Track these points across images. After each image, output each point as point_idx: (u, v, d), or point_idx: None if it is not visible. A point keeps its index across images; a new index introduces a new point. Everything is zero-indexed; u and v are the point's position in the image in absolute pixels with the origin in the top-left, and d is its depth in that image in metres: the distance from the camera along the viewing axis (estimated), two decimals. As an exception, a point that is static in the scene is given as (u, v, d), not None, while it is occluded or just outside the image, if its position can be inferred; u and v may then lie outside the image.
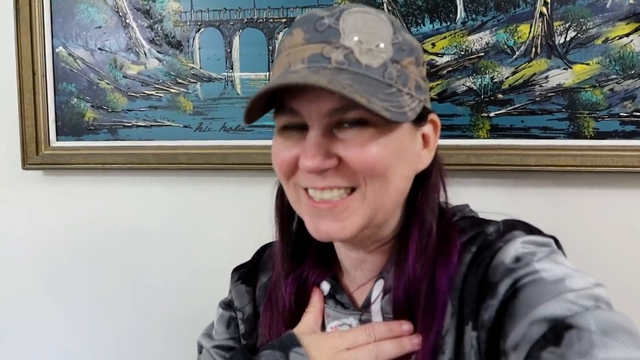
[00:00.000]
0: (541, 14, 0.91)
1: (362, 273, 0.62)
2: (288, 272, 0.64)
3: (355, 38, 0.51)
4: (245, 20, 0.99)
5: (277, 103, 0.54)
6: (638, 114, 0.90)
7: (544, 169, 0.92)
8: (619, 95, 0.90)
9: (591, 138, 0.91)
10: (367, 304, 0.60)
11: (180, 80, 1.02)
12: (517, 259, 0.52)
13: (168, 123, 1.03)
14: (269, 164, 0.96)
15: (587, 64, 0.91)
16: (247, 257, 0.76)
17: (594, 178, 0.92)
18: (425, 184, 0.59)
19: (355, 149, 0.51)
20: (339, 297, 0.62)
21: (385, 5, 0.94)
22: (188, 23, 1.00)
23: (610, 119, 0.91)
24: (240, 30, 0.99)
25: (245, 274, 0.73)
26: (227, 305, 0.73)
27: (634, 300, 0.55)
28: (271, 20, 0.98)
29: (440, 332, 0.54)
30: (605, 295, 0.47)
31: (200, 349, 0.72)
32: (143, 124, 1.03)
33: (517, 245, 0.54)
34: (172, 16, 1.00)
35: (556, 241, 0.58)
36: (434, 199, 0.60)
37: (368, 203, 0.53)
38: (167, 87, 1.02)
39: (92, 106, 1.05)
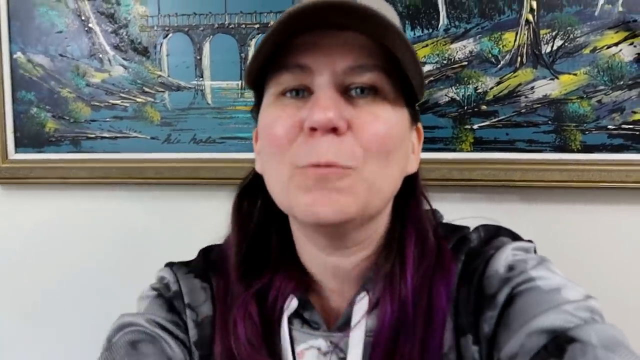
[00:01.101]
0: (527, 21, 0.87)
1: (338, 283, 0.55)
2: (247, 284, 0.55)
3: (375, 7, 0.47)
4: (216, 25, 0.93)
5: (277, 62, 0.48)
6: (626, 126, 0.87)
7: (529, 184, 0.87)
8: (607, 107, 0.87)
9: (578, 152, 0.88)
10: (346, 322, 0.53)
11: (147, 89, 0.96)
12: (511, 268, 0.51)
13: (134, 134, 0.97)
14: (241, 178, 0.93)
15: (575, 74, 0.87)
16: None
17: (581, 194, 0.88)
18: (415, 190, 0.57)
19: (368, 117, 0.47)
20: (307, 315, 0.54)
21: (363, 11, 0.89)
22: (155, 28, 0.94)
23: (598, 132, 0.87)
24: (211, 36, 0.93)
25: (196, 268, 0.61)
26: (166, 287, 0.59)
27: (621, 316, 0.55)
28: (243, 25, 0.92)
29: (442, 349, 0.51)
30: (598, 308, 0.47)
31: (114, 334, 0.55)
32: (108, 136, 0.97)
33: (507, 253, 0.52)
34: (138, 21, 0.94)
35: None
36: (424, 205, 0.57)
37: (364, 185, 0.47)
38: (133, 97, 0.96)
39: (53, 116, 0.98)
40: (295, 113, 0.47)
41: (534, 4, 0.86)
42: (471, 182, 0.88)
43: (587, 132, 0.87)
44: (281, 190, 0.50)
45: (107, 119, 0.97)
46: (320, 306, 0.56)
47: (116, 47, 0.95)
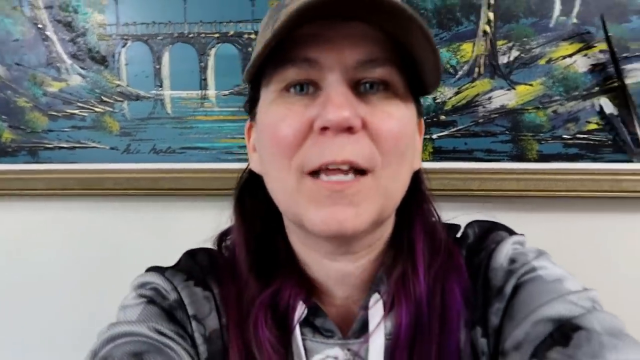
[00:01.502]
0: (484, 32, 0.88)
1: (345, 288, 0.52)
2: (258, 289, 0.51)
3: None
4: (176, 34, 0.92)
5: (280, 56, 0.44)
6: (581, 136, 0.88)
7: (488, 193, 0.88)
8: (562, 117, 0.88)
9: (535, 161, 0.89)
10: (362, 327, 0.50)
11: (105, 99, 0.94)
12: (513, 260, 0.51)
13: (93, 144, 0.95)
14: (202, 189, 0.92)
15: (531, 85, 0.88)
16: None
17: (537, 202, 0.90)
18: (419, 185, 0.55)
19: (383, 115, 0.44)
20: (320, 323, 0.50)
21: (323, 21, 0.89)
22: (113, 37, 0.93)
23: (554, 142, 0.89)
24: (170, 46, 0.92)
25: (193, 274, 0.54)
26: (159, 295, 0.51)
27: None
28: (203, 35, 0.92)
29: (459, 345, 0.50)
30: (598, 298, 0.47)
31: (103, 347, 0.47)
32: (66, 146, 0.96)
33: (508, 247, 0.53)
34: (95, 29, 0.93)
35: None
36: (431, 202, 0.56)
37: (380, 191, 0.45)
38: (92, 106, 0.94)
39: (10, 126, 0.96)
40: (302, 111, 0.44)
41: (491, 16, 0.87)
42: (430, 192, 0.89)
43: (543, 142, 0.89)
44: (287, 198, 0.47)
45: (65, 129, 0.95)
46: (331, 312, 0.52)
47: (74, 56, 0.94)
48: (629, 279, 0.90)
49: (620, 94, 0.86)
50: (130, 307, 0.51)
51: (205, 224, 0.94)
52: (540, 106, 0.88)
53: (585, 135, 0.88)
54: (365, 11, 0.42)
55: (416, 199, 0.54)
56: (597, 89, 0.87)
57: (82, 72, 0.94)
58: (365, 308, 0.50)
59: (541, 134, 0.89)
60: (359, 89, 0.45)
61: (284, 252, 0.53)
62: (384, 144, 0.44)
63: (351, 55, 0.43)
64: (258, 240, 0.53)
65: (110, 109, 0.94)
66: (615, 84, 0.86)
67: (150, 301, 0.51)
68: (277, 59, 0.45)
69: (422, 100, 0.54)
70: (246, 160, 0.92)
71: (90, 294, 0.99)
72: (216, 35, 0.91)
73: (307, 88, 0.45)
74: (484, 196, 0.89)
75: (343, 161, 0.42)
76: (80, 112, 0.95)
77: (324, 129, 0.42)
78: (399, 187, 0.47)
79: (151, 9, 0.92)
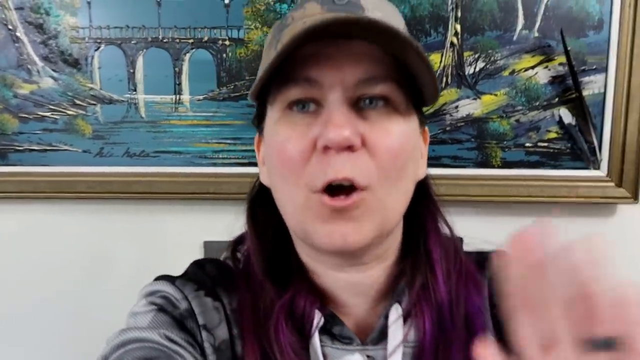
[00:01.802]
0: (452, 44, 0.92)
1: (356, 299, 0.53)
2: (276, 293, 0.51)
3: (379, 14, 0.47)
4: (150, 39, 0.92)
5: (282, 74, 0.46)
6: (542, 144, 0.93)
7: (454, 198, 0.92)
8: (525, 126, 0.92)
9: (499, 167, 0.93)
10: (380, 335, 0.51)
11: (78, 102, 0.94)
12: None
13: (65, 147, 0.95)
14: (176, 193, 0.93)
15: (495, 95, 0.92)
16: None
17: (500, 207, 0.94)
18: (427, 194, 0.56)
19: (381, 132, 0.46)
20: (338, 331, 0.51)
21: (297, 29, 0.91)
22: (86, 40, 0.93)
23: (517, 149, 0.93)
24: (144, 50, 0.93)
25: (203, 284, 0.54)
26: (169, 303, 0.52)
27: None
28: (177, 40, 0.92)
29: None
30: None
31: (113, 352, 0.47)
32: (37, 148, 0.95)
33: None
34: (68, 32, 0.92)
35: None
36: (440, 209, 0.56)
37: (379, 205, 0.46)
38: (64, 109, 0.94)
39: (-22, 128, 0.95)
40: (306, 132, 0.46)
41: (458, 28, 0.91)
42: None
43: (506, 149, 0.93)
44: (295, 214, 0.48)
45: (36, 132, 0.95)
46: (346, 320, 0.53)
47: (45, 58, 0.93)
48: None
49: (578, 105, 0.91)
50: (140, 314, 0.51)
51: (179, 227, 0.96)
52: (504, 115, 0.92)
53: (545, 144, 0.93)
54: (363, 33, 0.44)
55: (427, 206, 0.55)
56: (556, 99, 0.92)
57: (54, 74, 0.94)
58: (386, 317, 0.51)
59: (505, 142, 0.93)
60: (360, 104, 0.46)
61: (294, 262, 0.54)
62: (382, 161, 0.45)
63: (351, 74, 0.45)
64: (271, 249, 0.54)
65: (83, 112, 0.94)
66: (574, 96, 0.91)
67: (161, 309, 0.51)
68: (280, 78, 0.46)
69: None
70: (220, 164, 0.94)
71: (61, 299, 0.98)
72: (190, 40, 0.92)
73: (309, 106, 0.46)
74: (451, 201, 0.92)
75: (344, 178, 0.44)
76: (52, 114, 0.94)
77: (326, 147, 0.44)
78: (398, 200, 0.49)
79: (125, 13, 0.92)
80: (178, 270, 0.96)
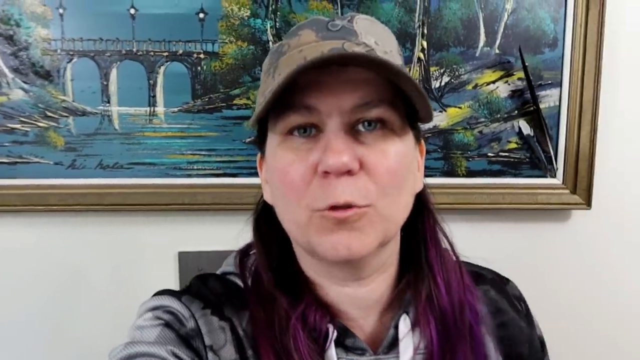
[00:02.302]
0: (419, 59, 0.96)
1: (360, 312, 0.55)
2: (289, 305, 0.52)
3: (373, 39, 0.49)
4: (124, 51, 0.93)
5: (281, 102, 0.47)
6: (503, 154, 0.98)
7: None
8: (487, 137, 0.98)
9: (463, 176, 0.98)
10: (392, 343, 0.53)
11: (49, 114, 0.93)
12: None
13: (36, 160, 0.94)
14: (150, 204, 0.94)
15: (460, 108, 0.97)
16: (130, 305, 0.58)
17: (465, 214, 0.99)
18: (425, 205, 0.58)
19: (378, 154, 0.48)
20: (351, 343, 0.53)
21: (270, 43, 0.94)
22: (58, 52, 0.92)
23: (480, 159, 0.98)
24: (118, 62, 0.93)
25: (211, 302, 0.55)
26: (177, 320, 0.52)
27: None
28: (152, 53, 0.93)
29: (487, 353, 0.56)
30: None
31: None
32: (6, 161, 0.93)
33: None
34: (39, 44, 0.92)
35: None
36: (438, 220, 0.59)
37: (382, 218, 0.49)
38: (35, 121, 0.93)
39: (-56, 140, 0.93)
40: (306, 157, 0.48)
41: (425, 44, 0.96)
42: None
43: (470, 159, 0.98)
44: (299, 231, 0.50)
45: (5, 144, 0.93)
46: (357, 333, 0.54)
47: (15, 70, 0.92)
48: (544, 280, 1.02)
49: (535, 117, 0.97)
50: (147, 327, 0.51)
51: (153, 238, 0.97)
52: (468, 127, 0.98)
53: (506, 154, 0.98)
54: (359, 63, 0.47)
55: (426, 218, 0.57)
56: (516, 112, 0.98)
57: (25, 86, 0.93)
58: (395, 327, 0.54)
59: (469, 152, 0.98)
60: (356, 127, 0.48)
61: (301, 277, 0.56)
62: (380, 181, 0.48)
63: (348, 100, 0.47)
64: (277, 264, 0.56)
65: (55, 124, 0.93)
66: (531, 108, 0.97)
67: (167, 325, 0.52)
68: (280, 106, 0.48)
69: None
70: (195, 175, 0.95)
71: (34, 314, 0.97)
72: (165, 53, 0.93)
73: (310, 130, 0.48)
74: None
75: (345, 202, 0.46)
76: (22, 126, 0.93)
77: (327, 172, 0.46)
78: (399, 212, 0.51)
79: (98, 26, 0.92)
80: (153, 281, 0.97)
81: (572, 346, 1.03)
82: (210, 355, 0.51)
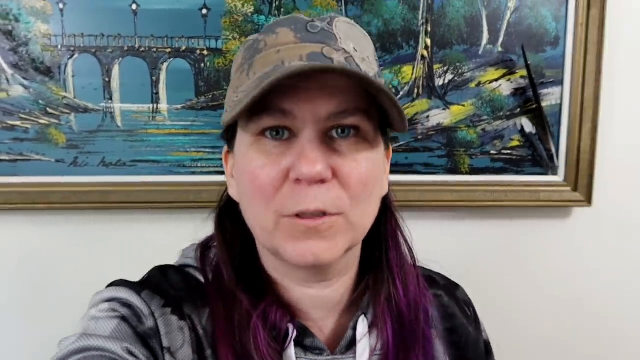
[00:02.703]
0: (422, 57, 0.96)
1: (321, 312, 0.55)
2: (250, 304, 0.52)
3: (352, 45, 0.49)
4: (126, 48, 0.92)
5: (257, 104, 0.46)
6: (506, 152, 0.99)
7: (426, 204, 0.97)
8: (490, 134, 0.99)
9: (466, 174, 0.99)
10: (350, 344, 0.54)
11: (50, 111, 0.92)
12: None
13: (37, 157, 0.93)
14: (154, 202, 0.93)
15: (463, 105, 0.98)
16: None
17: (468, 212, 1.00)
18: (389, 208, 0.58)
19: (352, 163, 0.48)
20: (309, 342, 0.53)
21: (274, 40, 0.93)
22: (59, 48, 0.91)
23: (483, 157, 0.99)
24: (120, 59, 0.92)
25: (171, 298, 0.53)
26: (135, 317, 0.50)
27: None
28: (155, 49, 0.92)
29: (435, 355, 0.58)
30: None
31: (67, 358, 0.46)
32: (6, 158, 0.92)
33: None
34: (39, 39, 0.90)
35: None
36: (399, 222, 0.59)
37: (350, 227, 0.49)
38: (35, 118, 0.92)
39: (-58, 137, 0.91)
40: (278, 161, 0.47)
41: (428, 42, 0.96)
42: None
43: (473, 157, 0.99)
44: (265, 234, 0.50)
45: (6, 141, 0.92)
46: (315, 332, 0.55)
47: (15, 66, 0.91)
48: (545, 275, 1.03)
49: (537, 115, 0.98)
50: (102, 319, 0.49)
51: (157, 237, 0.96)
52: (471, 125, 0.98)
53: (509, 151, 0.99)
54: (336, 73, 0.46)
55: (388, 220, 0.58)
56: (518, 110, 0.98)
57: (25, 82, 0.91)
58: (354, 329, 0.55)
59: (472, 150, 0.99)
60: (330, 133, 0.48)
61: (263, 275, 0.56)
62: (352, 190, 0.48)
63: (324, 107, 0.46)
64: (239, 260, 0.55)
65: (56, 121, 0.92)
66: (534, 106, 0.98)
67: (124, 319, 0.50)
68: (254, 107, 0.46)
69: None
70: (199, 172, 0.95)
71: (34, 313, 0.96)
72: (168, 50, 0.92)
73: (283, 133, 0.48)
74: (422, 207, 0.97)
75: (315, 210, 0.46)
76: (23, 123, 0.92)
77: (299, 180, 0.46)
78: (368, 219, 0.52)
79: (99, 22, 0.91)
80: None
81: (572, 341, 1.05)
82: (167, 357, 0.50)
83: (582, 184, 0.99)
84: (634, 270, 1.04)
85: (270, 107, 0.47)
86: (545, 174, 0.99)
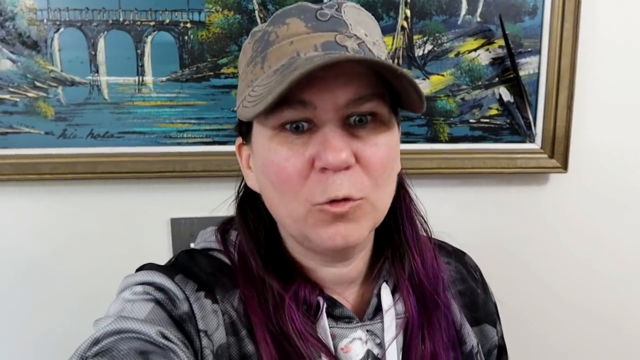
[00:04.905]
0: (402, 27, 0.98)
1: (341, 287, 0.59)
2: (281, 286, 0.55)
3: (362, 30, 0.50)
4: (110, 21, 0.94)
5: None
6: (484, 120, 1.02)
7: (406, 171, 0.99)
8: (469, 104, 1.01)
9: (446, 142, 1.01)
10: (375, 310, 0.58)
11: (38, 84, 0.94)
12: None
13: (27, 130, 0.95)
14: (141, 172, 0.96)
15: (442, 75, 1.00)
16: (124, 271, 0.56)
17: (448, 179, 1.03)
18: (402, 185, 0.61)
19: (372, 148, 0.49)
20: (339, 312, 0.56)
21: (256, 12, 0.95)
22: (45, 22, 0.93)
23: (462, 125, 1.01)
24: (105, 32, 0.94)
25: (204, 282, 0.55)
26: (170, 301, 0.51)
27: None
28: (139, 22, 0.94)
29: (456, 323, 0.61)
30: None
31: (106, 337, 0.47)
32: (-3, 131, 0.95)
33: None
34: (25, 14, 0.92)
35: None
36: (412, 198, 0.62)
37: (374, 208, 0.51)
38: (24, 91, 0.94)
39: None
40: (302, 151, 0.49)
41: (408, 12, 0.97)
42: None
43: (453, 125, 1.01)
44: (295, 224, 0.52)
45: (-5, 114, 0.94)
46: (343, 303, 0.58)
47: (2, 40, 0.93)
48: (524, 241, 1.07)
49: (515, 84, 1.00)
50: (137, 302, 0.50)
51: (146, 206, 0.99)
52: (450, 94, 1.00)
53: (487, 120, 1.02)
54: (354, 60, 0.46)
55: (402, 197, 0.61)
56: (496, 79, 1.01)
57: (12, 56, 0.93)
58: (377, 295, 0.58)
59: (451, 119, 1.01)
60: (350, 121, 0.49)
61: (287, 257, 0.58)
62: (374, 173, 0.50)
63: (342, 95, 0.48)
64: (265, 247, 0.58)
65: (44, 95, 0.94)
66: (512, 76, 1.00)
67: (159, 303, 0.51)
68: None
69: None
70: (185, 143, 0.97)
71: (28, 284, 0.99)
72: (152, 23, 0.94)
73: (303, 126, 0.49)
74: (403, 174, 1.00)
75: (343, 196, 0.48)
76: (12, 97, 0.94)
77: (325, 168, 0.48)
78: (388, 200, 0.54)
79: (84, -5, 0.93)
80: (146, 247, 1.00)
81: (553, 304, 1.09)
82: (204, 340, 0.51)
83: (558, 151, 1.01)
84: (607, 233, 1.07)
85: (291, 98, 0.47)
86: (523, 141, 1.02)
